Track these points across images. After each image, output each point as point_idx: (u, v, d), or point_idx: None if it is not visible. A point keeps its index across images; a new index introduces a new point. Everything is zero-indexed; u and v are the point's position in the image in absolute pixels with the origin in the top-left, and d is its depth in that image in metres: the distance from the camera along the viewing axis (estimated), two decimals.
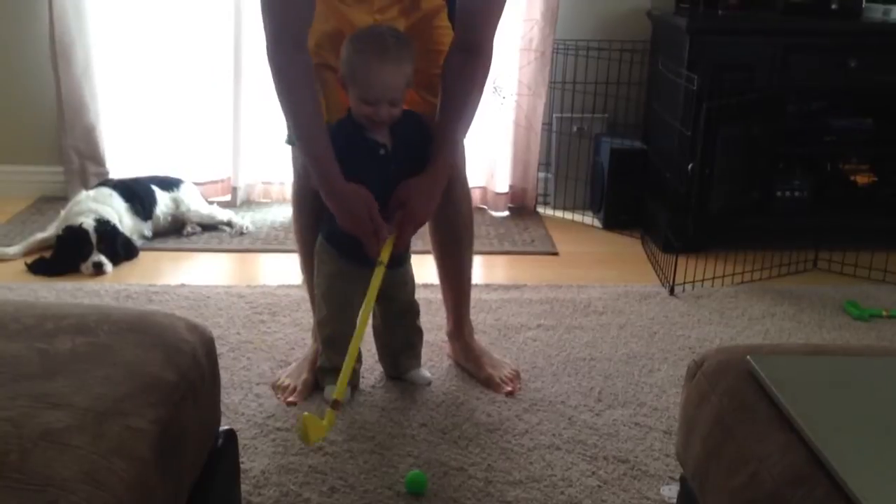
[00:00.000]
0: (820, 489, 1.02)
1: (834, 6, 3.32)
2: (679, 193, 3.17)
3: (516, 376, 2.33)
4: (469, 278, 2.40)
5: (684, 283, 3.01)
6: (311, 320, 2.37)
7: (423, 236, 2.35)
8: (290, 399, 2.16)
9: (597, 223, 3.71)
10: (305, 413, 1.77)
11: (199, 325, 1.41)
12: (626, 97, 3.72)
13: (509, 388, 2.27)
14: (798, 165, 3.43)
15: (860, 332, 2.72)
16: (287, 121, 1.94)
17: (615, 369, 2.45)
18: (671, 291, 2.99)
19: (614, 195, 3.63)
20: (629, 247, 3.48)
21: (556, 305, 2.85)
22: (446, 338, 2.46)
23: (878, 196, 3.41)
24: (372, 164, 1.98)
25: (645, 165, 3.59)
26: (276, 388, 2.23)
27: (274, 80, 1.86)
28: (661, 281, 3.09)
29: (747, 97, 3.17)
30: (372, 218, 1.92)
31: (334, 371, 2.21)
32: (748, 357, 1.26)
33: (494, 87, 3.64)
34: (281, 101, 1.88)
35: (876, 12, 3.33)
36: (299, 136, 1.92)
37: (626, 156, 3.60)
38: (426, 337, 2.38)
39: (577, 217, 3.78)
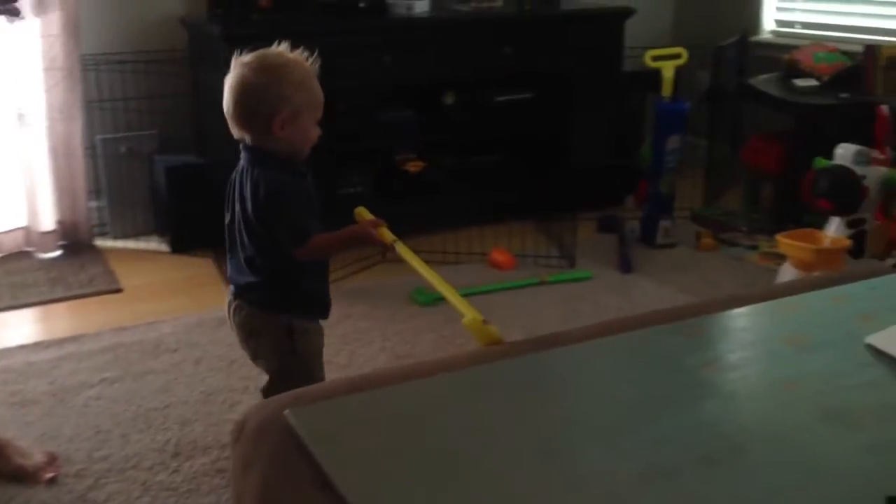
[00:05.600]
0: None
1: (362, 4, 3.41)
2: None
3: (52, 459, 2.04)
4: None
5: None
6: None
7: None
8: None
9: (165, 247, 3.47)
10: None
11: None
12: (175, 111, 3.50)
13: (51, 474, 1.98)
14: (356, 162, 3.49)
15: (428, 317, 2.83)
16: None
17: (193, 412, 2.28)
18: None
19: (179, 215, 3.42)
20: (202, 269, 3.29)
21: (122, 351, 2.59)
22: None
23: (429, 181, 3.59)
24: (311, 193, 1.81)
25: (206, 180, 3.41)
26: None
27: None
28: None
29: None
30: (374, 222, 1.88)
31: None
32: (286, 412, 1.16)
33: (19, 115, 3.22)
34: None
35: (401, 8, 3.47)
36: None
37: (184, 173, 3.40)
38: None
39: (143, 244, 3.50)
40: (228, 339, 2.68)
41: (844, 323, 1.33)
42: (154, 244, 3.49)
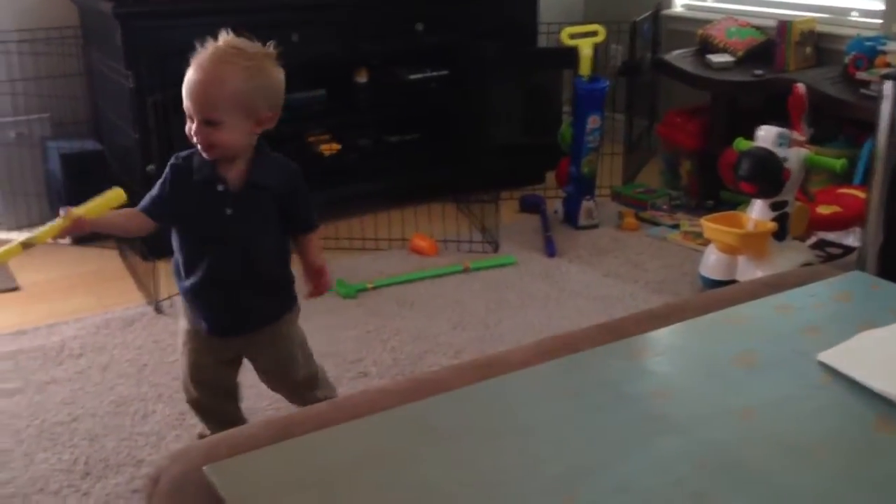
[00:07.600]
0: None
1: None
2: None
3: None
4: None
5: (170, 296, 2.76)
6: None
7: None
8: None
9: (65, 240, 3.24)
10: None
11: None
12: (68, 94, 3.28)
13: None
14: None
15: (350, 310, 2.72)
16: None
17: (102, 426, 2.14)
18: (157, 309, 2.72)
19: (78, 204, 3.20)
20: (107, 262, 3.11)
21: (22, 359, 2.42)
22: None
23: (344, 164, 3.46)
24: (203, 198, 1.73)
25: (105, 168, 3.21)
26: None
27: None
28: (146, 298, 2.80)
29: None
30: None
31: None
32: (205, 469, 1.05)
33: None
34: None
35: None
36: None
37: (81, 161, 3.19)
38: None
39: None
40: (137, 341, 2.54)
41: (791, 338, 1.28)
42: None
